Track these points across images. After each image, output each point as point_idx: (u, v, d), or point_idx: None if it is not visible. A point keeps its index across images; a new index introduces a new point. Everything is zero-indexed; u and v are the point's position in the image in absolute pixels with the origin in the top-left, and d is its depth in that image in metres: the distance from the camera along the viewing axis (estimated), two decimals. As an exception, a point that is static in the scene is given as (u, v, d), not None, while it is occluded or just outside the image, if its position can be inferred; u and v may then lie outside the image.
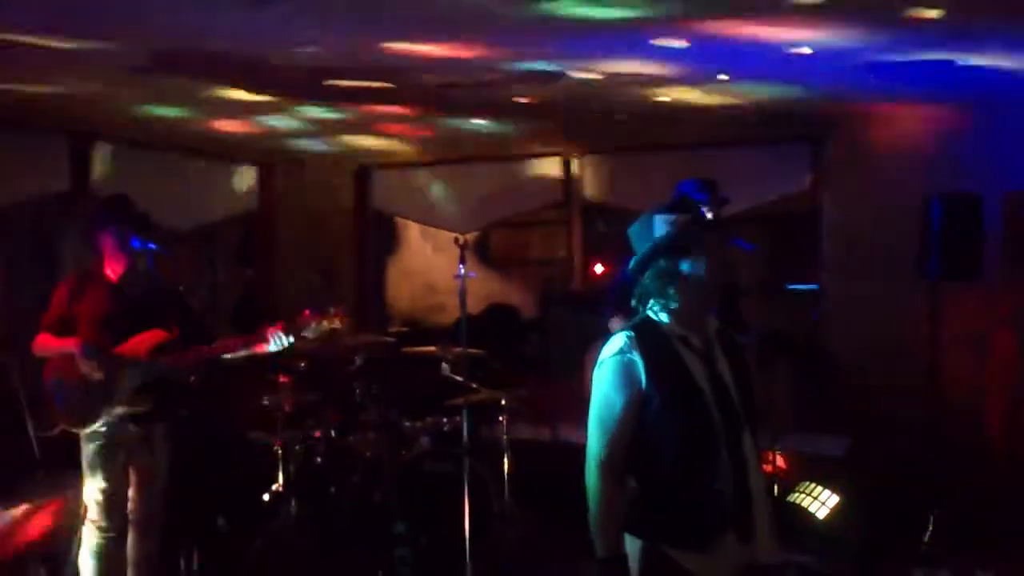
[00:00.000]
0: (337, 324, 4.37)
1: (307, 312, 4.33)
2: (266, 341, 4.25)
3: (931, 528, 3.57)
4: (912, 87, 5.48)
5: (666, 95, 5.53)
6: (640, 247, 2.68)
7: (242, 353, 4.35)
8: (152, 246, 4.32)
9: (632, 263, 2.67)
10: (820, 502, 5.08)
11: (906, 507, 5.09)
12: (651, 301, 2.67)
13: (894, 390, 6.23)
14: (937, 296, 5.71)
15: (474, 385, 5.29)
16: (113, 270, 4.36)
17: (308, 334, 4.34)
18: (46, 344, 4.30)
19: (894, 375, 6.26)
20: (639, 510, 2.66)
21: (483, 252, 9.82)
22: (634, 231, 2.72)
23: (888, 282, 6.31)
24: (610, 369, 2.63)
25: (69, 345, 4.22)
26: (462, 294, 4.74)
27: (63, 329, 4.28)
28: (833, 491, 4.98)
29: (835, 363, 6.57)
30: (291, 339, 4.26)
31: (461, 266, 4.70)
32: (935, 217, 5.66)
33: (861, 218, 6.59)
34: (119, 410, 4.23)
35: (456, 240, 4.75)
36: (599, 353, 2.73)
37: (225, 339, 4.47)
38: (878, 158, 6.56)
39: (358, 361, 5.39)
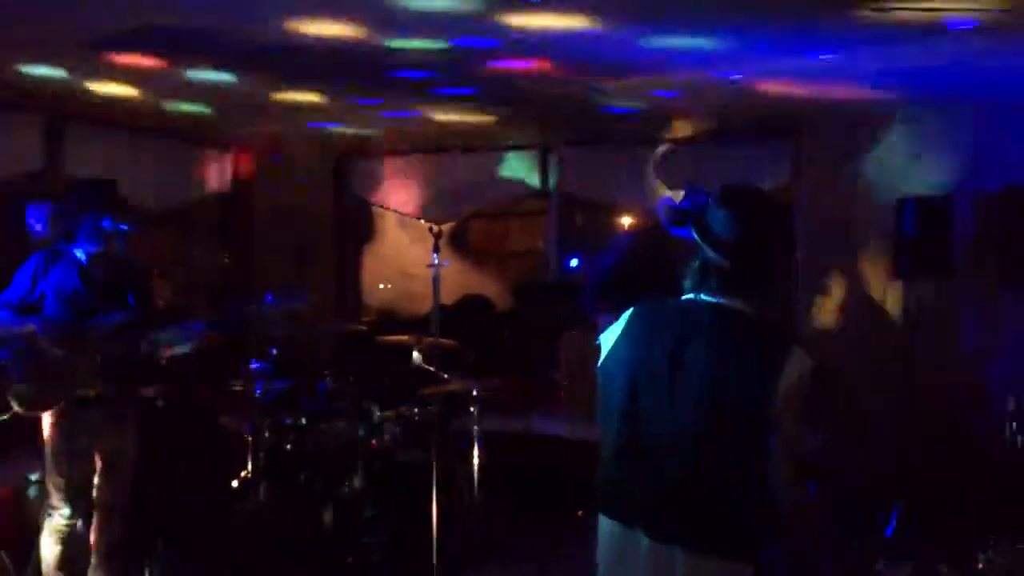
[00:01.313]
0: (297, 310, 4.38)
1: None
2: (199, 336, 4.25)
3: (894, 522, 3.61)
4: (890, 88, 5.52)
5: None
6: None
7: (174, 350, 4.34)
8: (124, 227, 4.28)
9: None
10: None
11: (872, 500, 5.14)
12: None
13: (867, 384, 6.29)
14: (909, 292, 5.80)
15: (445, 375, 5.29)
16: (84, 250, 4.33)
17: (272, 318, 4.37)
18: (5, 321, 4.19)
19: (867, 369, 6.31)
20: None
21: (462, 243, 9.82)
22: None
23: (861, 277, 6.38)
24: None
25: (28, 323, 4.15)
26: (435, 283, 4.75)
27: (21, 307, 4.21)
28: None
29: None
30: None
31: (435, 255, 4.71)
32: (907, 220, 5.76)
33: (836, 213, 6.63)
34: (81, 392, 4.18)
35: (431, 229, 4.76)
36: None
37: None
38: (853, 155, 6.60)
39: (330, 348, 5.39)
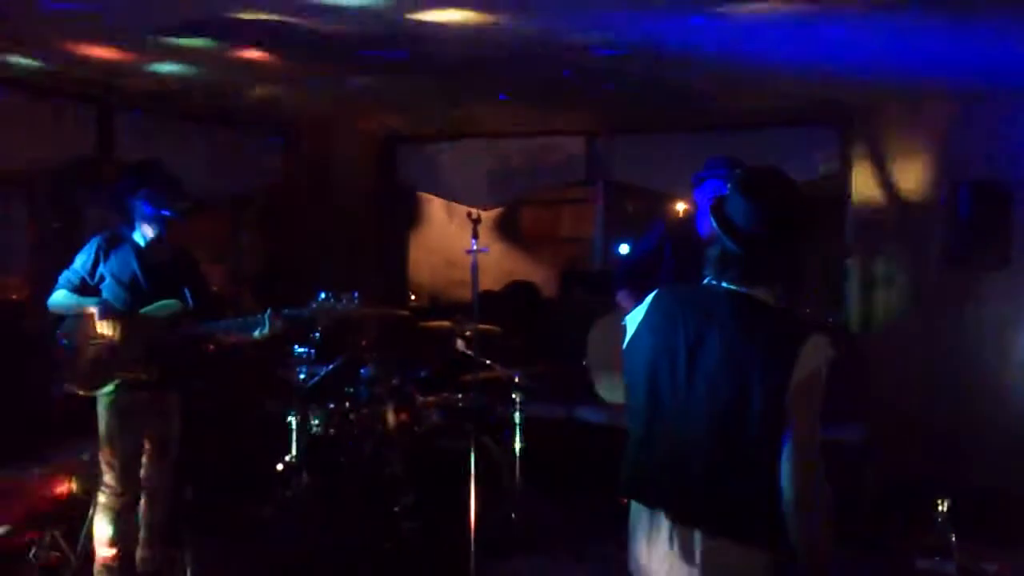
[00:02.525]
0: (350, 308, 4.41)
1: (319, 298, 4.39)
2: (263, 325, 4.29)
3: (939, 519, 3.52)
4: (937, 75, 5.36)
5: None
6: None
7: (237, 338, 4.39)
8: (166, 213, 4.34)
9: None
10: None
11: (916, 497, 5.03)
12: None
13: (917, 377, 6.16)
14: (963, 283, 5.64)
15: (488, 362, 5.29)
16: (142, 234, 4.40)
17: (319, 320, 4.41)
18: (66, 301, 4.32)
19: (918, 362, 6.18)
20: None
21: (512, 229, 9.82)
22: None
23: (913, 268, 6.23)
24: None
25: (89, 304, 4.25)
26: (474, 269, 4.74)
27: (84, 288, 4.31)
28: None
29: (856, 348, 6.50)
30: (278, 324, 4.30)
31: (474, 241, 4.69)
32: (963, 205, 5.59)
33: (888, 204, 6.49)
34: (130, 376, 4.27)
35: (469, 215, 4.74)
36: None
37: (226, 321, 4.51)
38: (906, 144, 6.44)
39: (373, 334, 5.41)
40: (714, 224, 2.49)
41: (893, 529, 5.00)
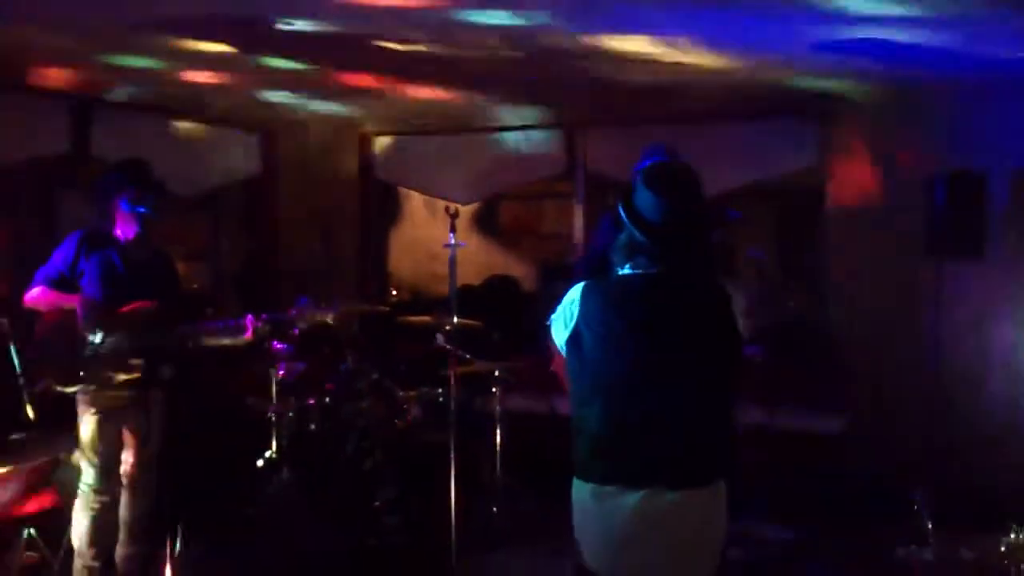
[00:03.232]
0: (329, 319, 4.42)
1: (299, 305, 4.40)
2: (245, 331, 4.28)
3: (917, 506, 3.57)
4: (913, 66, 5.39)
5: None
6: None
7: (218, 342, 4.38)
8: (142, 209, 4.31)
9: None
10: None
11: (896, 485, 5.08)
12: None
13: (895, 368, 6.20)
14: (941, 275, 5.67)
15: (468, 356, 5.29)
16: (123, 232, 4.37)
17: (300, 325, 4.42)
18: (44, 297, 4.29)
19: (895, 353, 6.22)
20: None
21: (491, 224, 9.81)
22: None
23: (891, 260, 6.26)
24: None
25: (72, 300, 4.22)
26: (452, 264, 4.74)
27: (61, 284, 4.28)
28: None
29: (833, 340, 6.53)
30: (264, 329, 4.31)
31: (451, 235, 4.70)
32: (939, 195, 5.62)
33: (866, 195, 6.52)
34: (111, 373, 4.24)
35: (447, 209, 4.75)
36: None
37: (206, 322, 4.49)
38: (883, 136, 6.48)
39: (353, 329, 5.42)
40: (623, 216, 2.72)
41: (871, 519, 5.06)
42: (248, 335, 4.29)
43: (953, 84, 5.86)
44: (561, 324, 2.79)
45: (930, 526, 3.63)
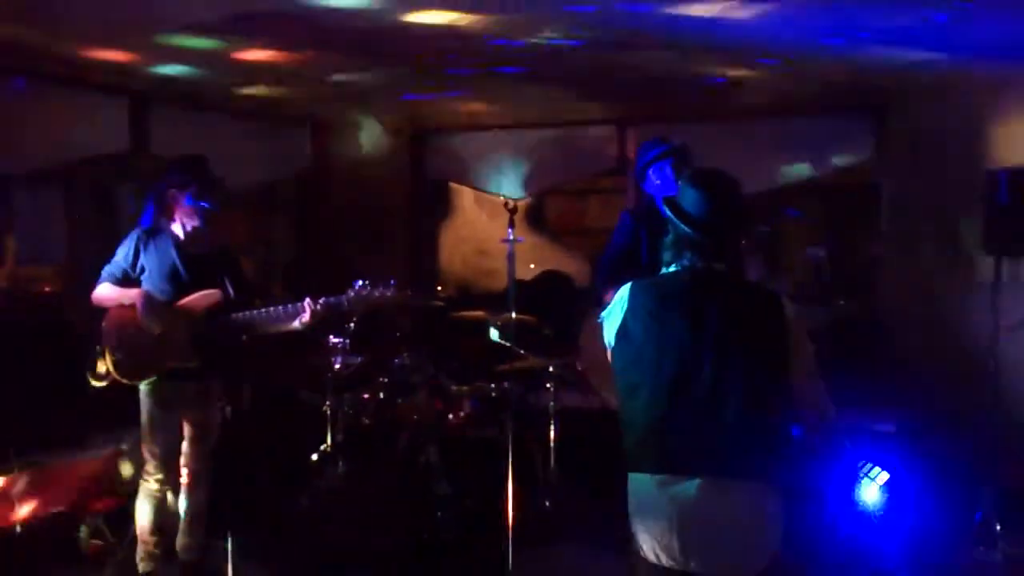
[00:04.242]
0: (387, 295, 4.40)
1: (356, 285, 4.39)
2: (303, 313, 4.30)
3: (984, 509, 3.50)
4: (973, 59, 5.29)
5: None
6: None
7: (276, 328, 4.41)
8: (205, 204, 4.38)
9: None
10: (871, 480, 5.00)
11: (959, 487, 5.00)
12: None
13: (951, 367, 6.10)
14: (999, 272, 5.57)
15: (522, 351, 5.29)
16: (182, 226, 4.44)
17: (356, 307, 4.41)
18: (108, 293, 4.39)
19: (952, 352, 6.12)
20: None
21: (539, 219, 9.79)
22: None
23: (948, 257, 6.16)
24: None
25: (132, 295, 4.31)
26: (511, 259, 4.74)
27: (125, 280, 4.37)
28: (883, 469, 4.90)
29: (887, 338, 6.44)
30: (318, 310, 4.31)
31: (510, 231, 4.70)
32: (1002, 191, 5.51)
33: (922, 191, 6.42)
34: (172, 365, 4.31)
35: (506, 204, 4.75)
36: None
37: (265, 308, 4.51)
38: (941, 131, 6.37)
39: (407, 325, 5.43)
40: (669, 214, 2.86)
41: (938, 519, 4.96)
42: (307, 318, 4.31)
43: (1015, 78, 5.76)
44: (611, 320, 2.89)
45: (998, 527, 3.55)
